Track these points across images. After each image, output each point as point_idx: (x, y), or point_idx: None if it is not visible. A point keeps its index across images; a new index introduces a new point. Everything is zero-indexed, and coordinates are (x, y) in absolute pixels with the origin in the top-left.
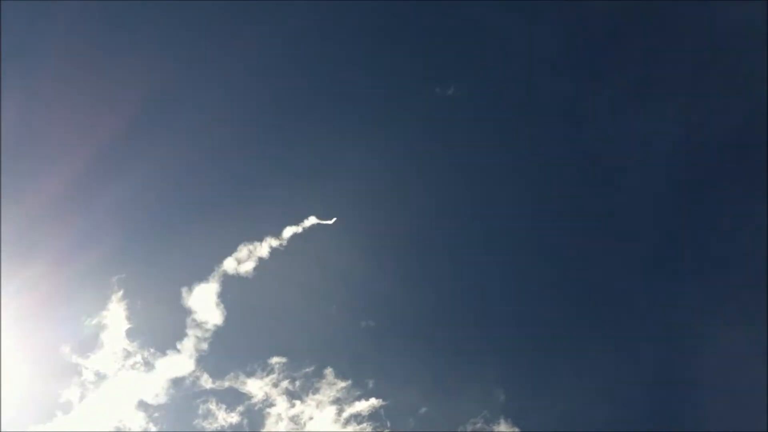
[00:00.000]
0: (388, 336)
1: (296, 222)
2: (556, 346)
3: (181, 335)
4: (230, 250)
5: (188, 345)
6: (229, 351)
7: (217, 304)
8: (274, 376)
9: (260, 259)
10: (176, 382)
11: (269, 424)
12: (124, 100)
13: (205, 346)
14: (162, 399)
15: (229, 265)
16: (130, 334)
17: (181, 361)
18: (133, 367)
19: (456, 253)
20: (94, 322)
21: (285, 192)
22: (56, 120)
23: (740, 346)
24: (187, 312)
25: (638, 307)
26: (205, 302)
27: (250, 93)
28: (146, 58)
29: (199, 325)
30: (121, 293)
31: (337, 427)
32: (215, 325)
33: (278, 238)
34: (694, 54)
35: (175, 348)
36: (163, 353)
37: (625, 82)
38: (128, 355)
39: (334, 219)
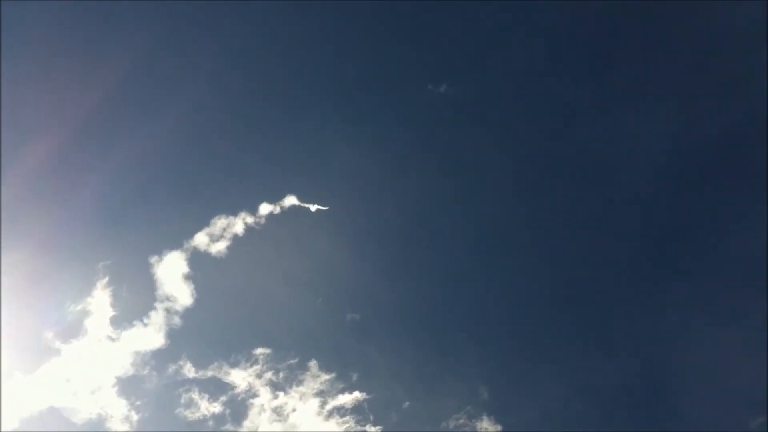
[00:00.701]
0: (373, 330)
1: (275, 201)
2: (541, 345)
3: (154, 314)
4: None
5: (158, 319)
6: (212, 340)
7: (188, 282)
8: (258, 367)
9: (236, 238)
10: (159, 370)
11: (252, 414)
12: (100, 84)
13: (177, 320)
14: (144, 387)
15: (202, 240)
16: (114, 321)
17: (153, 336)
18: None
19: (443, 250)
20: (79, 308)
21: (268, 176)
22: (32, 106)
23: (727, 347)
24: (158, 286)
25: (623, 307)
26: (180, 280)
27: (244, 83)
28: (123, 40)
29: (169, 299)
30: (106, 280)
31: (320, 419)
32: (185, 306)
33: (255, 216)
34: (689, 54)
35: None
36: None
37: (620, 82)
38: (112, 341)
39: (316, 206)
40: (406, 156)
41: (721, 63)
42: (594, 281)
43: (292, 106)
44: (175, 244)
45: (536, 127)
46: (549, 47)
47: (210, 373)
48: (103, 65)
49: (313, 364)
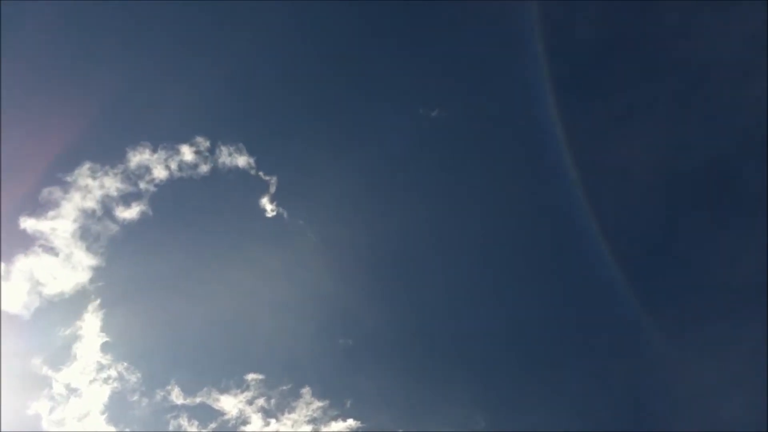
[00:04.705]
0: (366, 356)
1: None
2: (540, 373)
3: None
4: None
5: None
6: (202, 365)
7: None
8: (249, 393)
9: None
10: (148, 396)
11: None
12: None
13: None
14: (132, 413)
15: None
16: (105, 347)
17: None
18: (105, 381)
19: (438, 274)
20: (68, 332)
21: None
22: None
23: (715, 375)
24: None
25: (621, 338)
26: None
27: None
28: None
29: None
30: (98, 302)
31: None
32: None
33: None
34: (677, 82)
35: None
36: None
37: (609, 109)
38: (101, 368)
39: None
40: (397, 180)
41: (705, 91)
42: (593, 309)
43: (275, 120)
44: None
45: (529, 152)
46: (539, 77)
47: (199, 399)
48: None
49: (306, 390)
